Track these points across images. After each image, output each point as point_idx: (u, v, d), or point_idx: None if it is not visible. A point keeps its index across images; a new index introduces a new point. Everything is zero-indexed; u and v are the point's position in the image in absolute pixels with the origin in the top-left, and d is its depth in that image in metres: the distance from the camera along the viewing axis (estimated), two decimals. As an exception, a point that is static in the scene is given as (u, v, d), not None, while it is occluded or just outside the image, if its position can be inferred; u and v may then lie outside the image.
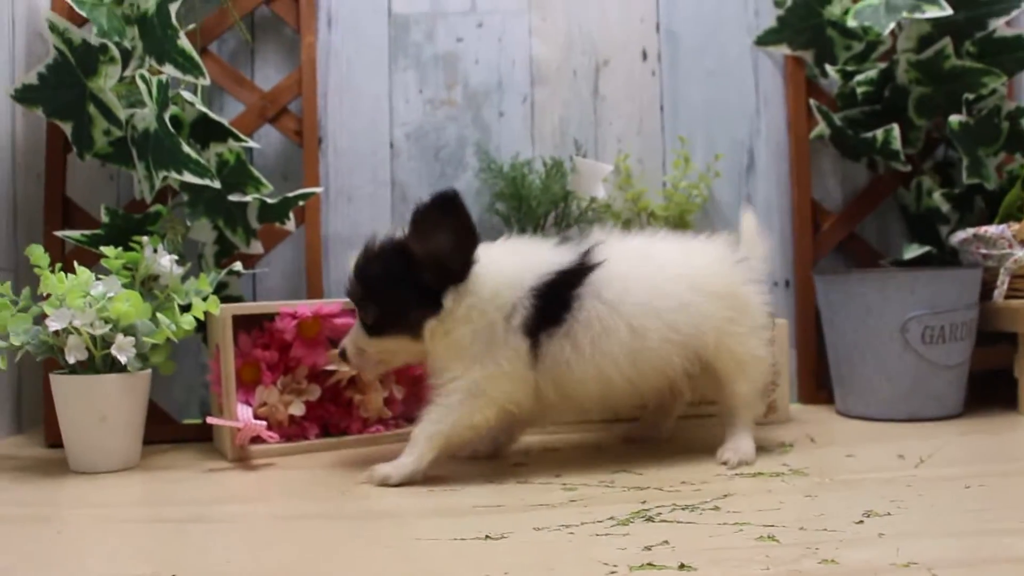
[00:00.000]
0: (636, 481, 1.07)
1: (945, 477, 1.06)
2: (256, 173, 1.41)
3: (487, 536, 0.85)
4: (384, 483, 1.06)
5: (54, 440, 1.32)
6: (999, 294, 1.43)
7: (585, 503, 0.97)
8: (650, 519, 0.90)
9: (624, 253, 1.13)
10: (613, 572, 0.74)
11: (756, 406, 1.22)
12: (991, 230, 1.44)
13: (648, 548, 0.80)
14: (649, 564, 0.76)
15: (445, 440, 1.08)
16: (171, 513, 1.00)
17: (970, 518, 0.89)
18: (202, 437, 1.40)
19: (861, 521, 0.88)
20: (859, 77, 1.53)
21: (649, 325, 1.10)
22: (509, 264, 1.09)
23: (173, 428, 1.43)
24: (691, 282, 1.14)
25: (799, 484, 1.04)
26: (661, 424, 1.33)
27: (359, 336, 1.12)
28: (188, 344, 1.51)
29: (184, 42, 1.33)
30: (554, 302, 1.07)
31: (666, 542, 0.82)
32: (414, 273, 1.06)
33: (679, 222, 1.53)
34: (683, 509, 0.94)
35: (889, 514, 0.90)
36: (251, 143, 1.42)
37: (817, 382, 1.61)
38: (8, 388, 1.44)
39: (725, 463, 1.14)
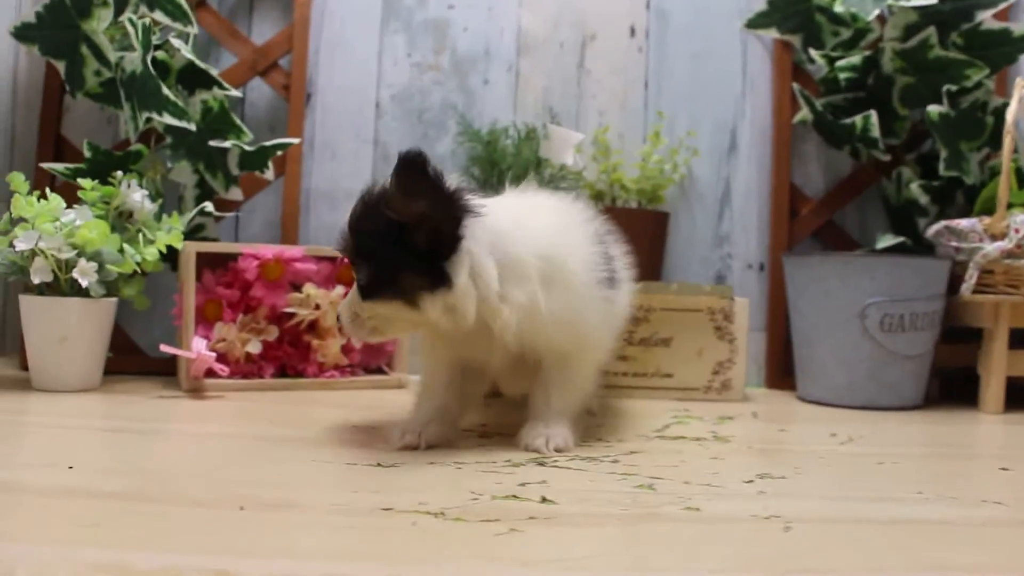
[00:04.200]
0: (554, 434, 1.09)
1: (863, 454, 1.06)
2: (237, 121, 1.46)
3: (378, 464, 0.89)
4: (560, 451, 0.98)
5: (27, 364, 1.38)
6: (967, 288, 1.42)
7: (490, 447, 1.00)
8: (543, 464, 0.93)
9: None
10: (475, 499, 0.77)
11: None
12: (963, 223, 1.43)
13: (523, 485, 0.83)
14: (513, 496, 0.79)
15: (581, 409, 1.08)
16: (105, 425, 1.06)
17: (861, 487, 0.89)
18: (169, 371, 1.46)
19: (751, 481, 0.89)
20: (841, 63, 1.53)
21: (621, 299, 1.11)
22: (570, 222, 1.01)
23: (142, 360, 1.50)
24: None
25: (714, 449, 1.06)
26: None
27: (354, 298, 0.95)
28: (169, 286, 1.57)
29: (174, -11, 1.39)
30: (607, 259, 1.02)
31: (544, 482, 0.84)
32: (405, 232, 0.88)
33: (652, 196, 1.54)
34: (582, 459, 0.96)
35: (783, 477, 0.91)
36: (234, 92, 1.47)
37: (784, 368, 1.61)
38: (-6, 312, 1.52)
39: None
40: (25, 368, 1.41)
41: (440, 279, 0.88)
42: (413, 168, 0.86)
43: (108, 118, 1.60)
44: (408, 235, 0.88)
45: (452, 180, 0.90)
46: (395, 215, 0.88)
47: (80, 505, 0.71)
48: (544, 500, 0.78)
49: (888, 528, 0.75)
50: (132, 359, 1.47)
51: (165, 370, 1.47)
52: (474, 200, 0.91)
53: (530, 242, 0.93)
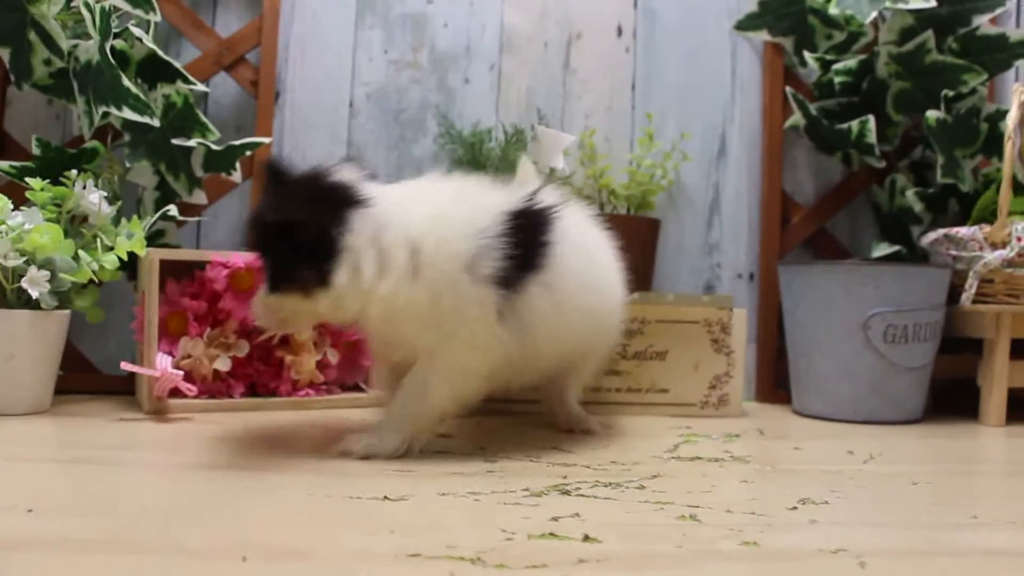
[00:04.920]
0: (564, 459, 1.01)
1: (893, 473, 1.00)
2: (203, 118, 1.34)
3: (385, 497, 0.79)
4: (367, 457, 0.94)
5: (-33, 382, 1.25)
6: (967, 297, 1.38)
7: (502, 475, 0.91)
8: (567, 492, 0.84)
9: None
10: (509, 539, 0.68)
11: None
12: (962, 231, 1.39)
13: (555, 519, 0.74)
14: (551, 534, 0.70)
15: (434, 420, 0.98)
16: (63, 455, 0.93)
17: (911, 512, 0.83)
18: (126, 390, 1.34)
19: (795, 508, 0.82)
20: (837, 66, 1.48)
21: (594, 285, 1.05)
22: (454, 208, 0.95)
23: (96, 379, 1.37)
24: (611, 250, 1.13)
25: (737, 470, 0.99)
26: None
27: (263, 290, 0.96)
28: (124, 296, 1.44)
29: (133, -27, 1.27)
30: (530, 247, 0.95)
31: (577, 514, 0.76)
32: (295, 230, 0.91)
33: (642, 203, 1.48)
34: (605, 486, 0.88)
35: (826, 503, 0.84)
36: (200, 86, 1.35)
37: (776, 380, 1.55)
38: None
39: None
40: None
41: (328, 275, 0.90)
42: (275, 177, 0.92)
43: (56, 113, 1.47)
44: (297, 236, 0.90)
45: (339, 174, 0.93)
46: (276, 217, 0.91)
47: (51, 559, 0.59)
48: (587, 538, 0.69)
49: (970, 561, 0.68)
50: (84, 377, 1.35)
51: (121, 389, 1.34)
52: (360, 192, 0.92)
53: (402, 232, 0.92)
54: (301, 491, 0.81)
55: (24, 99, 1.43)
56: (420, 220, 0.93)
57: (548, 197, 1.00)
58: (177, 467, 0.90)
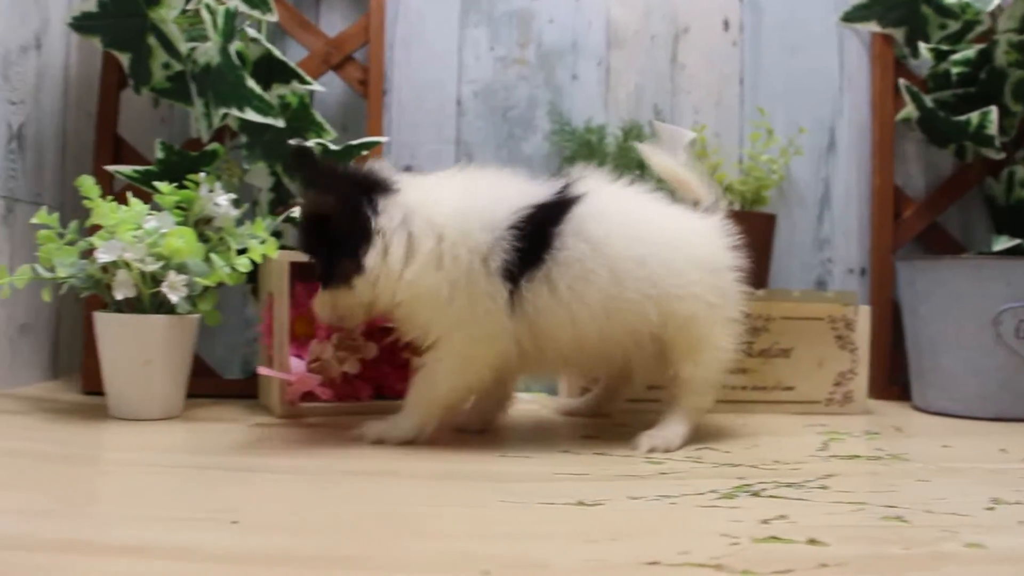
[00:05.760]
0: (725, 459, 0.99)
1: (1063, 473, 0.97)
2: (319, 118, 1.34)
3: (580, 502, 0.77)
4: (379, 443, 1.00)
5: (92, 387, 1.25)
6: (1097, 292, 1.34)
7: (677, 476, 0.89)
8: (756, 494, 0.82)
9: (610, 192, 1.03)
10: (735, 543, 0.66)
11: (704, 397, 1.07)
12: (1092, 223, 1.36)
13: (765, 522, 0.72)
14: (773, 537, 0.68)
15: (443, 408, 1.01)
16: (227, 462, 0.92)
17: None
18: (246, 393, 1.33)
19: (991, 507, 0.79)
20: (955, 56, 1.45)
21: (630, 272, 0.98)
22: (478, 200, 0.97)
23: (216, 383, 1.36)
24: (677, 238, 1.03)
25: (903, 468, 0.96)
26: (607, 405, 1.25)
27: (320, 288, 1.03)
28: (233, 301, 1.44)
29: (253, -26, 1.27)
30: (534, 241, 0.95)
31: (784, 516, 0.74)
32: (330, 223, 0.97)
33: (756, 198, 1.45)
34: (787, 486, 0.85)
35: (1019, 503, 0.81)
36: (316, 86, 1.34)
37: (890, 376, 1.52)
38: (45, 331, 1.37)
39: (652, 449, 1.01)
40: (89, 393, 1.28)
41: (362, 259, 0.94)
42: (304, 163, 0.97)
43: (162, 116, 1.47)
44: (333, 225, 0.95)
45: (369, 167, 0.99)
46: (312, 210, 0.98)
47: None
48: (812, 541, 0.67)
49: None
50: (203, 381, 1.33)
51: (239, 392, 1.33)
52: (388, 179, 0.97)
53: (428, 220, 0.95)
54: (488, 498, 0.79)
55: (132, 103, 1.42)
56: (446, 211, 0.96)
57: (579, 189, 0.99)
58: (348, 475, 0.88)
